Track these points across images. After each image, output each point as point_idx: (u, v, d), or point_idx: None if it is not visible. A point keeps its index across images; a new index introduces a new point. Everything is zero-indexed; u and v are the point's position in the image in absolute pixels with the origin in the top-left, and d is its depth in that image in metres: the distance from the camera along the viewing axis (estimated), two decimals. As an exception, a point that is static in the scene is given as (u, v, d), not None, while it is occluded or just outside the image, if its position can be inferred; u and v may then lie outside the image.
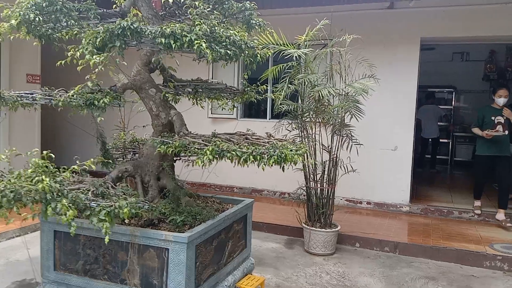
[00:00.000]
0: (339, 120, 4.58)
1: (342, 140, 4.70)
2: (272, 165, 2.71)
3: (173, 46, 2.51)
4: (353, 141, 4.67)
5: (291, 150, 2.83)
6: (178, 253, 2.68)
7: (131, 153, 3.95)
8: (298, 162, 2.87)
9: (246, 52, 2.93)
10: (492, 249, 4.74)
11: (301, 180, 4.96)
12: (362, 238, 5.11)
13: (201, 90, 3.76)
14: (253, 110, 8.18)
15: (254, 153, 2.65)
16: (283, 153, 2.73)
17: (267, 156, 2.72)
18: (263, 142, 2.97)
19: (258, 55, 3.17)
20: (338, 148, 4.76)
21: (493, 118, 5.59)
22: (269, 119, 6.89)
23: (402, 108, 6.27)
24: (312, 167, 4.78)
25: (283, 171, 2.86)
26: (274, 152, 2.73)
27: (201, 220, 2.96)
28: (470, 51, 11.39)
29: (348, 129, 4.69)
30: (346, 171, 4.82)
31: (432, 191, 7.32)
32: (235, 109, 7.10)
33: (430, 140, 10.28)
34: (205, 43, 2.46)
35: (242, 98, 3.92)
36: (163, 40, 2.52)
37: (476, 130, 5.72)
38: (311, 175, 4.82)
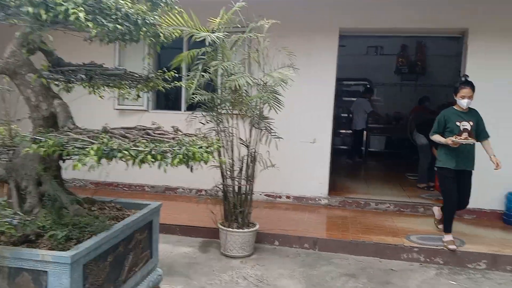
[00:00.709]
0: (258, 112, 4.25)
1: (261, 134, 4.39)
2: (176, 166, 2.28)
3: (44, 17, 1.97)
4: (272, 134, 4.38)
5: (200, 147, 2.42)
6: (60, 276, 2.17)
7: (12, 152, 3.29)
8: (209, 161, 2.48)
9: (145, 29, 2.45)
10: (409, 240, 4.75)
11: (219, 176, 4.58)
12: (281, 235, 4.87)
13: (97, 77, 3.20)
14: (170, 101, 7.62)
15: (153, 152, 2.20)
16: (190, 151, 2.31)
17: (171, 155, 2.29)
18: (168, 138, 2.52)
19: (161, 34, 2.71)
20: (256, 142, 4.44)
21: (458, 123, 4.47)
22: (184, 111, 6.40)
23: (321, 100, 6.14)
24: (229, 163, 4.41)
25: (191, 171, 2.45)
26: (180, 150, 2.30)
27: (91, 233, 2.45)
28: (384, 45, 11.77)
29: (267, 121, 4.39)
30: (265, 166, 4.53)
31: (349, 183, 7.34)
32: (146, 99, 6.60)
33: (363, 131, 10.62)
34: (85, 14, 1.95)
35: (146, 86, 3.43)
36: (30, 9, 1.96)
37: (437, 137, 4.57)
38: (228, 172, 4.46)
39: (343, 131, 11.81)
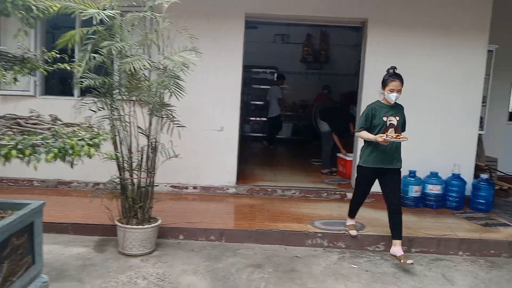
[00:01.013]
0: (158, 99, 3.94)
1: (162, 122, 4.10)
2: (51, 161, 1.95)
3: None
4: (174, 123, 4.11)
5: (81, 139, 2.10)
6: None
7: None
8: (94, 154, 2.17)
9: (10, 0, 2.05)
10: (313, 226, 4.82)
11: (116, 169, 4.21)
12: (186, 228, 4.65)
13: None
14: (66, 85, 6.88)
15: (20, 146, 1.85)
16: (67, 144, 1.99)
17: (45, 149, 1.95)
18: (42, 129, 2.16)
19: (34, 8, 2.31)
20: (157, 131, 4.14)
21: (384, 118, 4.15)
22: (78, 96, 5.82)
23: (228, 86, 5.97)
24: (127, 155, 4.06)
25: (71, 166, 2.13)
26: (55, 143, 1.97)
27: None
28: (290, 33, 11.94)
29: (169, 109, 4.10)
30: (168, 157, 4.25)
31: (257, 170, 7.32)
32: (33, 83, 5.90)
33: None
34: None
35: (23, 68, 2.96)
36: None
37: (364, 134, 4.17)
38: (126, 164, 4.11)
39: (259, 118, 11.89)
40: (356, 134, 4.35)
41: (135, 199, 4.12)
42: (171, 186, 6.05)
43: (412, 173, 5.83)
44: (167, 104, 4.07)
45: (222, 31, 5.86)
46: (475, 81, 6.04)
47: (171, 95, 3.88)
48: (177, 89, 3.80)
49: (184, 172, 6.03)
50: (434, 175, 5.86)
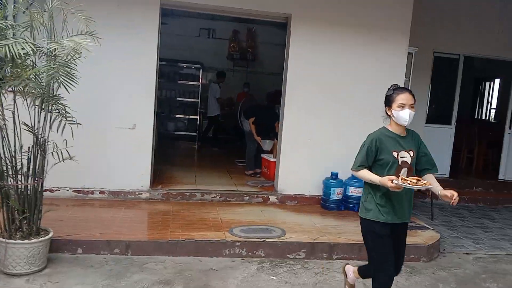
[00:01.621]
0: (46, 91, 3.32)
1: (51, 118, 3.48)
2: None
3: None
4: (67, 119, 3.51)
5: None
6: None
7: None
8: None
9: None
10: (232, 234, 4.45)
11: None
12: (86, 241, 4.05)
13: None
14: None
15: None
16: None
17: None
18: None
19: None
20: (47, 128, 3.52)
21: (395, 154, 2.85)
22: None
23: (141, 80, 5.41)
24: (8, 157, 3.40)
25: None
26: None
27: None
28: (216, 28, 11.53)
29: (60, 103, 3.49)
30: (61, 159, 3.64)
31: (176, 173, 6.81)
32: None
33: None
34: None
35: None
36: None
37: (365, 174, 2.86)
38: (7, 167, 3.45)
39: (184, 116, 11.33)
40: (354, 173, 2.97)
41: (18, 208, 3.46)
42: (74, 191, 5.37)
43: (334, 175, 5.69)
44: (58, 96, 3.45)
45: (135, 19, 5.29)
46: (396, 82, 6.02)
47: (59, 86, 3.27)
48: (67, 80, 3.21)
49: (91, 175, 5.38)
50: (355, 177, 5.72)
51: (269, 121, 6.87)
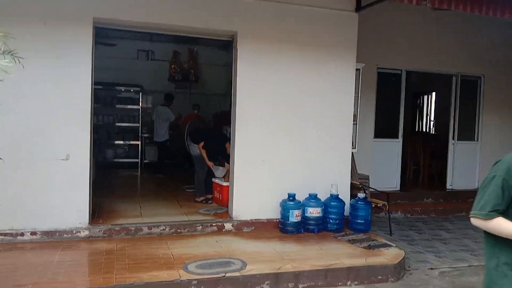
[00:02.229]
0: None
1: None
2: None
3: None
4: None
5: None
6: None
7: None
8: None
9: None
10: (187, 271, 3.98)
11: None
12: (12, 296, 3.42)
13: None
14: None
15: None
16: None
17: None
18: None
19: None
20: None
21: None
22: None
23: (73, 105, 4.85)
24: None
25: None
26: None
27: None
28: (155, 49, 11.10)
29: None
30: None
31: (119, 205, 6.19)
32: None
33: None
34: None
35: None
36: None
37: (504, 225, 1.88)
38: None
39: (123, 142, 10.63)
40: (482, 223, 1.94)
41: None
42: (0, 234, 4.64)
43: (292, 197, 5.40)
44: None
45: (65, 38, 4.77)
46: (347, 98, 5.94)
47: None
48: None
49: (19, 215, 4.71)
50: (313, 197, 5.51)
51: (219, 144, 6.47)
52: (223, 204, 6.18)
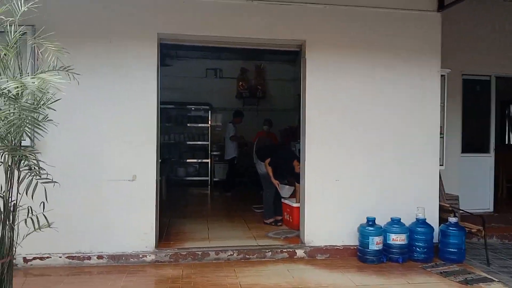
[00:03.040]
0: (7, 142, 2.61)
1: (20, 177, 2.75)
2: None
3: None
4: (40, 177, 2.78)
5: None
6: None
7: None
8: None
9: None
10: (255, 305, 3.59)
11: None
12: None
13: None
14: None
15: None
16: None
17: None
18: None
19: None
20: (14, 190, 2.79)
21: None
22: None
23: (139, 125, 4.73)
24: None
25: None
26: None
27: None
28: (223, 67, 11.05)
29: (33, 157, 2.77)
30: (36, 227, 2.89)
31: (187, 226, 6.00)
32: None
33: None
34: None
35: None
36: None
37: None
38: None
39: (195, 160, 10.65)
40: None
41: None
42: (67, 257, 4.58)
43: (371, 221, 4.82)
44: (28, 149, 2.74)
45: (129, 56, 4.68)
46: (431, 109, 5.28)
47: (21, 135, 2.57)
48: (32, 127, 2.50)
49: (86, 238, 4.63)
50: (396, 221, 4.88)
51: (286, 161, 6.07)
52: (294, 227, 5.75)
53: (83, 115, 4.60)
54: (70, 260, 4.58)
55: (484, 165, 7.31)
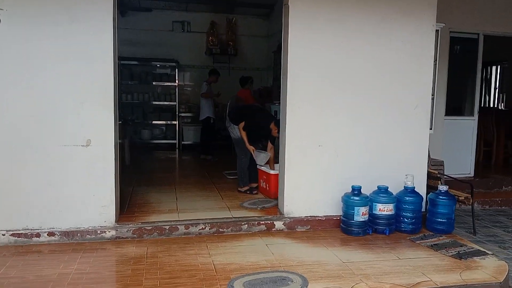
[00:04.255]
0: None
1: None
2: None
3: None
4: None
5: None
6: None
7: None
8: None
9: None
10: (232, 290, 3.12)
11: None
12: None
13: None
14: None
15: None
16: None
17: None
18: None
19: None
20: None
21: None
22: None
23: (93, 80, 4.02)
24: None
25: None
26: None
27: None
28: (191, 20, 10.18)
29: None
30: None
31: (153, 196, 5.43)
32: None
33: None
34: None
35: None
36: None
37: None
38: None
39: (160, 122, 9.91)
40: None
41: None
42: (12, 235, 3.95)
43: (357, 190, 4.39)
44: None
45: (81, 3, 3.90)
46: (425, 67, 4.79)
47: None
48: None
49: (35, 211, 4.00)
50: (383, 190, 4.48)
51: (262, 124, 5.51)
52: (271, 195, 5.28)
53: (28, 70, 3.85)
54: (16, 238, 3.95)
55: (467, 128, 7.03)
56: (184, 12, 9.99)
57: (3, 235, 3.92)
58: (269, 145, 5.53)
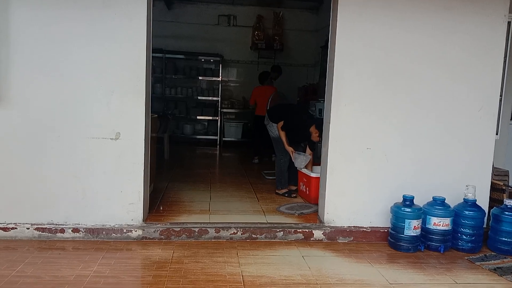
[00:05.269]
0: None
1: None
2: None
3: None
4: None
5: None
6: None
7: None
8: None
9: None
10: (260, 309, 2.76)
11: None
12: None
13: None
14: None
15: None
16: None
17: None
18: None
19: None
20: None
21: None
22: None
23: (123, 66, 3.79)
24: None
25: None
26: None
27: None
28: (238, 14, 9.90)
29: None
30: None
31: (186, 193, 5.18)
32: None
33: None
34: None
35: None
36: None
37: None
38: None
39: (204, 117, 9.71)
40: None
41: None
42: (37, 229, 3.80)
43: (409, 200, 3.89)
44: None
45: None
46: (492, 64, 4.19)
47: None
48: None
49: (60, 206, 3.83)
50: (439, 202, 3.95)
51: (303, 126, 5.09)
52: (311, 200, 4.88)
53: (55, 55, 3.68)
54: (40, 232, 3.80)
55: (536, 134, 6.24)
56: (231, 5, 9.74)
57: (28, 229, 3.78)
58: (308, 150, 5.14)
